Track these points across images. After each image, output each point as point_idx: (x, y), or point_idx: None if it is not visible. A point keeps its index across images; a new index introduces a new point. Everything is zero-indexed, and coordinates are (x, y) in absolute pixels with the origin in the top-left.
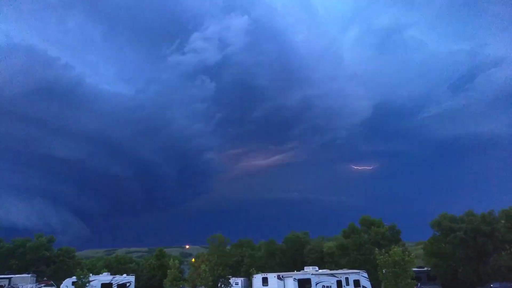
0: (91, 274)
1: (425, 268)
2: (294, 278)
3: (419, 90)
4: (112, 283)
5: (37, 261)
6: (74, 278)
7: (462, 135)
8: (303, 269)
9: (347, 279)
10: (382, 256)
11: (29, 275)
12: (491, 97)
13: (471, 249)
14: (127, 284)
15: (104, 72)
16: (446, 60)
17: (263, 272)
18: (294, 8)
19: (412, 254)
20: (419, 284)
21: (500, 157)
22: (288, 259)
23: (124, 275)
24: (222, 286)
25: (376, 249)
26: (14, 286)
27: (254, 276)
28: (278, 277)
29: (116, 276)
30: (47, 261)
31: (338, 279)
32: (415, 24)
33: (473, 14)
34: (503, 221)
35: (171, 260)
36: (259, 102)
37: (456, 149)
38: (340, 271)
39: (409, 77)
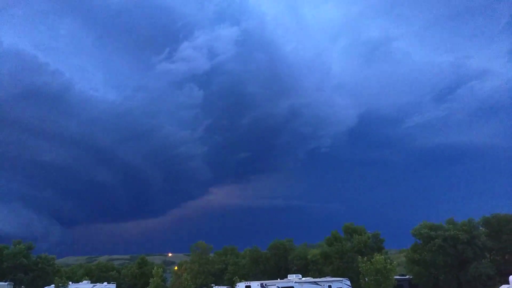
0: (70, 282)
1: (407, 276)
2: (278, 286)
3: (404, 100)
4: None
5: (15, 268)
6: (53, 287)
7: (444, 144)
8: (287, 277)
9: (330, 287)
10: (364, 264)
11: (6, 283)
12: (473, 108)
13: (451, 256)
14: None
15: (93, 78)
16: (430, 71)
17: (246, 280)
18: (284, 19)
19: (394, 262)
20: None
21: (481, 167)
22: (272, 267)
23: (105, 283)
24: None
25: (359, 257)
26: None
27: (237, 284)
28: (261, 285)
29: (97, 284)
30: (25, 268)
31: (321, 287)
32: (402, 36)
33: (457, 27)
34: (483, 229)
35: (155, 268)
36: (248, 110)
37: (439, 158)
38: (323, 279)
39: (394, 88)
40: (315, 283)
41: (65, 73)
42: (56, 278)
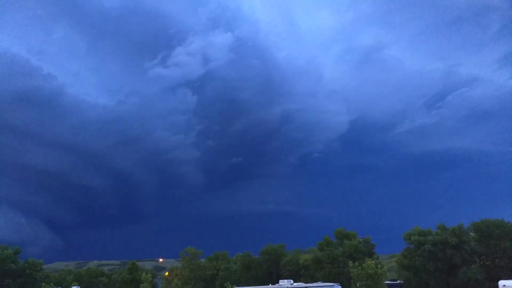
0: None
1: (398, 281)
2: None
3: (395, 106)
4: None
5: (2, 274)
6: None
7: (435, 150)
8: (278, 283)
9: None
10: (355, 269)
11: None
12: (463, 114)
13: (441, 261)
14: None
15: (86, 82)
16: (421, 78)
17: (238, 285)
18: (278, 26)
19: (385, 267)
20: None
21: (471, 172)
22: (264, 272)
23: None
24: None
25: (350, 262)
26: None
27: None
28: None
29: None
30: (13, 274)
31: None
32: (394, 44)
33: (448, 35)
34: (472, 234)
35: (144, 274)
36: (240, 115)
37: (430, 164)
38: (314, 284)
39: (385, 94)
40: None
41: (57, 77)
42: (43, 284)
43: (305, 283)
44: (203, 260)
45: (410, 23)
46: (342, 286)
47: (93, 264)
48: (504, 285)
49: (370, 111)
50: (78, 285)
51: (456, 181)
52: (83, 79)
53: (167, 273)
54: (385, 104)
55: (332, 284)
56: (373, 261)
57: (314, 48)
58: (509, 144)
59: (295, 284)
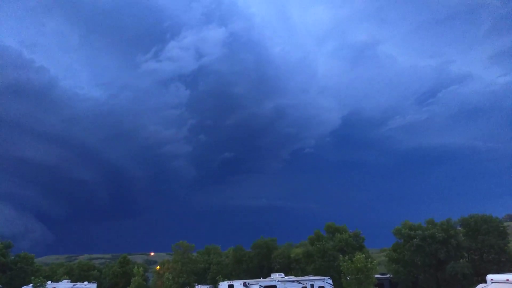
0: (49, 282)
1: (388, 275)
2: (260, 285)
3: (386, 102)
4: None
5: None
6: (31, 286)
7: (425, 146)
8: (270, 276)
9: (312, 285)
10: (345, 263)
11: None
12: (454, 111)
13: (429, 256)
14: None
15: (78, 76)
16: (413, 75)
17: (229, 279)
18: (272, 21)
19: (375, 261)
20: None
21: (461, 168)
22: (255, 266)
23: (86, 282)
24: None
25: (340, 256)
26: None
27: (220, 283)
28: (244, 284)
29: (77, 283)
30: (3, 267)
31: (303, 285)
32: (387, 40)
33: (440, 33)
34: (460, 228)
35: (136, 267)
36: (233, 110)
37: (420, 160)
38: (305, 277)
39: (378, 90)
40: (298, 281)
41: (50, 70)
42: (33, 278)
43: (296, 276)
44: (194, 254)
45: (403, 20)
46: (332, 280)
47: (84, 257)
48: (492, 279)
49: (362, 107)
50: (69, 279)
51: (446, 176)
52: (75, 72)
53: (158, 267)
54: (377, 100)
55: (323, 277)
56: (363, 255)
57: (308, 44)
58: (499, 141)
59: (286, 277)
